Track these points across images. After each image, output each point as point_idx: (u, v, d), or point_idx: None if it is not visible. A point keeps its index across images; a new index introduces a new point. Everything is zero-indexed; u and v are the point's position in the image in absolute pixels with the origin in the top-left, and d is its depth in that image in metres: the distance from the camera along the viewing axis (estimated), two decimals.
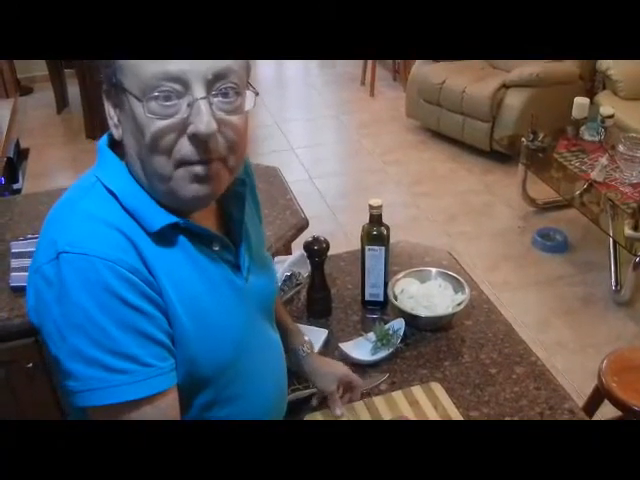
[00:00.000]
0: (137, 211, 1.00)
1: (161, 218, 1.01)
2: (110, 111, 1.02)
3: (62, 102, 5.76)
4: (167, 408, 1.01)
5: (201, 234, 1.07)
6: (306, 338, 1.49)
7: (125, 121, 1.00)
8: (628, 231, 3.10)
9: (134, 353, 0.96)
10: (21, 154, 4.92)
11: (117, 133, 1.02)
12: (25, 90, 6.15)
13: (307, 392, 1.53)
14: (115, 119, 1.02)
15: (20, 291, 1.90)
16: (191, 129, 0.96)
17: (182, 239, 1.05)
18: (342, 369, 1.50)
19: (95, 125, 5.02)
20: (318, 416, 1.49)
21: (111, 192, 1.00)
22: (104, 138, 1.07)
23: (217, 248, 1.10)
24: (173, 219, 1.02)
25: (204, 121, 0.94)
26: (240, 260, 1.16)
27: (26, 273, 1.03)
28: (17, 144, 4.87)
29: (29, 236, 2.15)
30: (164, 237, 1.02)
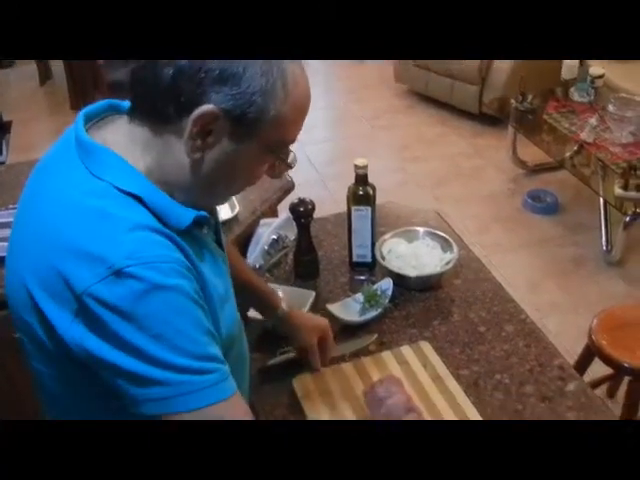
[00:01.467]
0: (165, 211, 0.98)
1: (187, 214, 1.01)
2: (193, 132, 0.96)
3: (45, 74, 5.68)
4: (243, 401, 1.03)
5: (200, 221, 1.05)
6: (280, 294, 1.50)
7: (225, 151, 0.98)
8: (618, 191, 3.09)
9: (213, 352, 0.97)
10: (4, 127, 4.86)
11: (196, 155, 0.98)
12: (6, 63, 6.05)
13: (294, 354, 1.52)
14: (200, 143, 0.97)
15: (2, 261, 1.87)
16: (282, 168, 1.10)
17: (188, 229, 1.04)
18: (322, 322, 1.50)
19: (79, 96, 4.95)
20: (307, 377, 1.48)
21: (133, 195, 0.96)
22: (82, 134, 1.00)
23: (206, 231, 1.10)
24: (195, 213, 1.02)
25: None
26: (220, 236, 1.18)
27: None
28: None
29: (10, 206, 2.12)
30: (185, 231, 1.01)
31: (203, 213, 1.04)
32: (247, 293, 1.46)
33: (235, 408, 0.99)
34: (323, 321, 1.51)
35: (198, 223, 1.04)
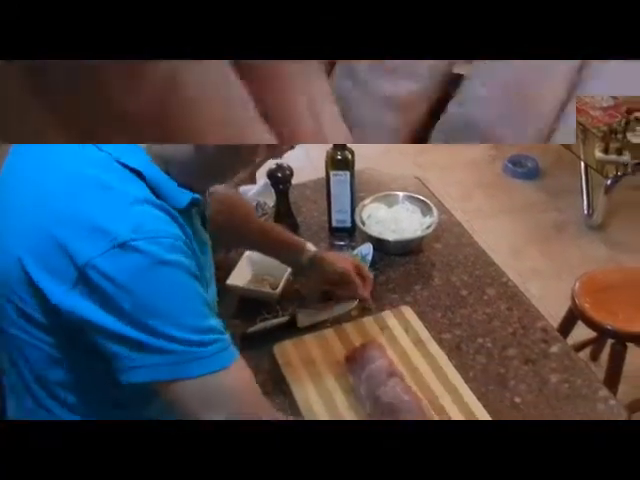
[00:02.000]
0: (163, 189, 0.97)
1: (184, 195, 1.00)
2: None
3: None
4: (247, 369, 1.03)
5: (194, 202, 1.04)
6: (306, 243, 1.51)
7: None
8: (599, 154, 3.09)
9: (213, 324, 0.98)
10: None
11: None
12: None
13: (276, 321, 1.51)
14: None
15: None
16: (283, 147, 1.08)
17: (185, 209, 1.03)
18: (353, 258, 1.57)
19: None
20: (288, 344, 1.46)
21: (134, 170, 0.95)
22: None
23: (195, 212, 1.08)
24: (191, 195, 1.01)
25: None
26: (205, 219, 1.17)
27: None
28: None
29: None
30: (181, 210, 1.00)
31: (197, 195, 1.02)
32: (268, 241, 1.49)
33: (236, 376, 0.99)
34: (354, 258, 1.57)
35: (191, 204, 1.03)
